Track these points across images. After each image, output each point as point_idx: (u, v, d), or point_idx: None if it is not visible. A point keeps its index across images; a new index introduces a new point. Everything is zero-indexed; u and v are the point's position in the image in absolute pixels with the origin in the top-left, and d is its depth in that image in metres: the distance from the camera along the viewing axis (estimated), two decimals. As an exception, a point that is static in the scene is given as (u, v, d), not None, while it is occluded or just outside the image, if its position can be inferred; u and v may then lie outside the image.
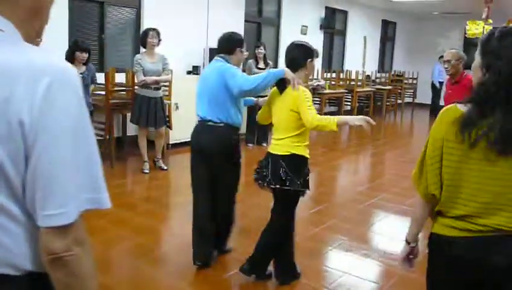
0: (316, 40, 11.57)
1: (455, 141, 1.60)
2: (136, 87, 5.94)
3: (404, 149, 9.09)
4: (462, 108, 1.61)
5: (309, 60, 3.09)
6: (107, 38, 7.09)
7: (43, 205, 0.94)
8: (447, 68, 4.64)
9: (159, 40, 5.83)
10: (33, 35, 1.07)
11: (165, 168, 6.18)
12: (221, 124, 3.28)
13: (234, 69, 3.28)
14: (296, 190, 3.01)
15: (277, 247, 3.22)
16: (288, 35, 10.46)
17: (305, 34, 11.02)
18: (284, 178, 2.97)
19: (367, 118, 2.80)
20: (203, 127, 3.36)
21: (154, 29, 5.80)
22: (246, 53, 3.56)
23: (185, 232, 3.42)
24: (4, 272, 0.98)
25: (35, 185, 0.94)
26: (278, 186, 2.99)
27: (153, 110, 5.82)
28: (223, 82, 3.22)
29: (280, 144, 3.05)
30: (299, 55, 3.09)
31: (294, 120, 2.99)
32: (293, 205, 3.16)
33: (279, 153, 3.02)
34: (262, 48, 7.87)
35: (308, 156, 3.09)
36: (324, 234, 4.25)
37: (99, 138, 6.34)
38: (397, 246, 3.94)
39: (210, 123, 3.30)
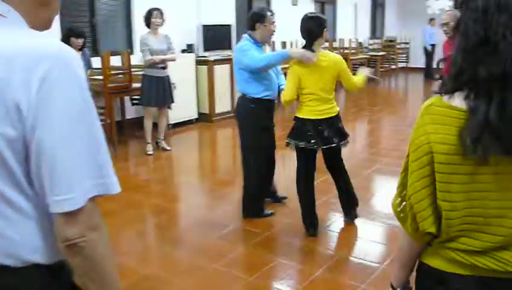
0: (307, 10, 11.44)
1: (454, 153, 1.10)
2: (142, 67, 5.92)
3: (400, 114, 9.15)
4: (450, 101, 1.12)
5: (325, 29, 3.39)
6: (98, 22, 7.02)
7: (51, 191, 0.93)
8: (446, 31, 4.47)
9: (163, 20, 5.79)
10: (41, 25, 1.05)
11: (169, 148, 6.20)
12: (241, 95, 3.82)
13: (246, 48, 3.63)
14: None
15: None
16: (279, 6, 10.27)
17: (295, 4, 10.90)
18: (343, 133, 3.57)
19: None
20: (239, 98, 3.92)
21: (157, 9, 5.74)
22: (274, 25, 3.79)
23: (197, 210, 3.48)
24: (4, 263, 0.97)
25: (40, 173, 0.93)
26: (342, 141, 3.57)
27: (161, 89, 5.80)
28: (240, 58, 3.66)
29: (329, 108, 3.49)
30: (315, 26, 3.35)
31: (333, 85, 3.47)
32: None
33: (334, 115, 3.52)
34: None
35: None
36: (332, 202, 4.31)
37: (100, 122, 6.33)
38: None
39: (239, 94, 3.86)
